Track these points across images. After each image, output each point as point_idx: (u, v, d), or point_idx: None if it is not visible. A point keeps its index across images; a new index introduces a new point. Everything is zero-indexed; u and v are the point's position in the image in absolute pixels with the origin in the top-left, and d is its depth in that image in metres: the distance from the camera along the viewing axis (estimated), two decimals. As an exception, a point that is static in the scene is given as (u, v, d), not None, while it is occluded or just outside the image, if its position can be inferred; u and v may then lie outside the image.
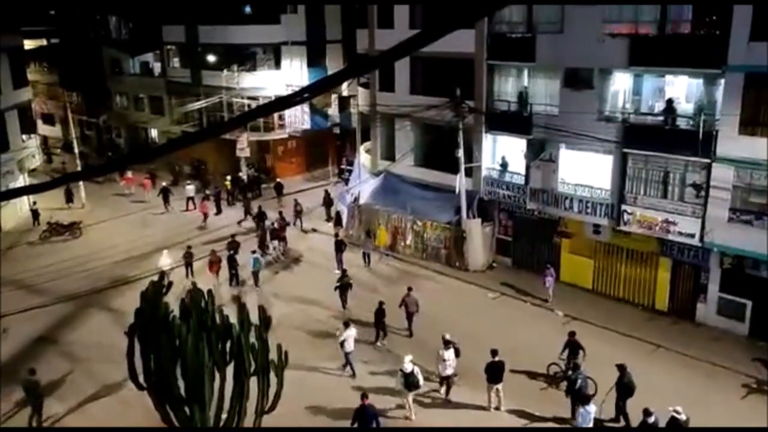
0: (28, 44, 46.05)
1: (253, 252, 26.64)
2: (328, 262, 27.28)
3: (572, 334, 18.88)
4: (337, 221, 31.15)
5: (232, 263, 25.95)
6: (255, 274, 26.01)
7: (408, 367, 16.97)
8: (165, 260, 25.91)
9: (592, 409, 15.64)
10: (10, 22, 35.58)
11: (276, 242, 29.84)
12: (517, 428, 17.34)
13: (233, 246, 27.40)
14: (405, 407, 17.43)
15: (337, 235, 28.85)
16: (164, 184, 36.87)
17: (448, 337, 18.36)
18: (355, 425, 15.60)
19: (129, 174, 39.61)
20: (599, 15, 21.79)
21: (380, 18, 29.64)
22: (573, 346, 18.51)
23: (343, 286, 23.61)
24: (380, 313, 21.04)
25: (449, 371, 17.79)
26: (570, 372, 17.20)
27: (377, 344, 20.97)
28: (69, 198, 37.03)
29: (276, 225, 30.07)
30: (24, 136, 35.65)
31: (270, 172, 40.58)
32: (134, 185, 39.43)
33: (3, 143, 33.33)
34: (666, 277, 22.67)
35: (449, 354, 17.71)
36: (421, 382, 17.23)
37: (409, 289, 22.12)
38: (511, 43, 24.84)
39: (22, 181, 34.72)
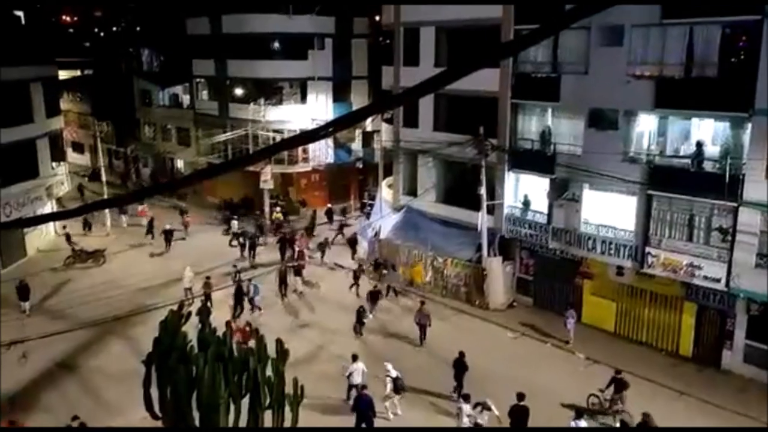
0: (63, 74, 47.26)
1: (250, 280, 26.82)
2: (348, 298, 27.26)
3: (618, 372, 18.77)
4: (376, 267, 29.62)
5: (239, 294, 25.92)
6: (252, 301, 26.15)
7: (394, 372, 18.47)
8: (188, 273, 27.44)
9: (582, 424, 16.63)
10: (47, 53, 36.63)
11: (297, 278, 29.10)
12: (520, 428, 17.03)
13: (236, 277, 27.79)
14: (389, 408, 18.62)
15: (375, 286, 27.05)
16: (167, 226, 35.41)
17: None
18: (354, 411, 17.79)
19: (144, 206, 39.31)
20: (624, 56, 21.85)
21: (406, 55, 30.02)
22: (618, 384, 18.36)
23: (360, 313, 24.26)
24: (460, 364, 19.76)
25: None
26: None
27: (454, 397, 19.58)
28: (87, 226, 37.59)
29: (297, 261, 29.96)
30: (54, 164, 36.34)
31: (305, 204, 40.68)
32: (146, 217, 38.72)
33: (33, 170, 34.04)
34: (690, 322, 22.21)
35: (468, 408, 17.14)
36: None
37: (422, 302, 24.00)
38: (535, 82, 24.96)
39: (50, 207, 35.32)
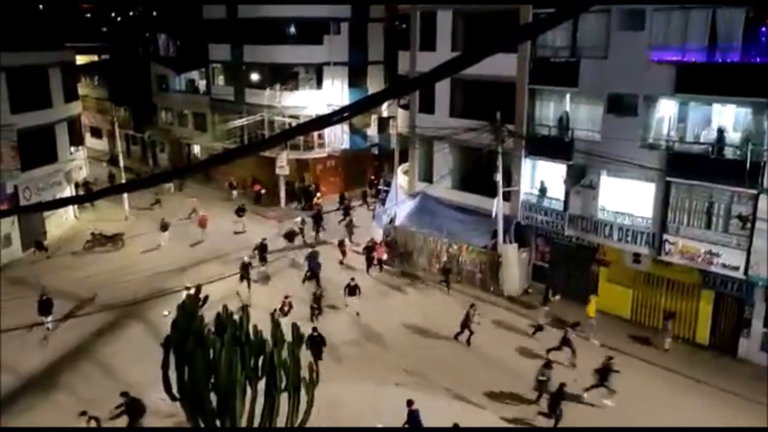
0: (80, 60, 47.55)
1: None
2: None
3: None
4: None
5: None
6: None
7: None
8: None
9: None
10: (64, 38, 36.89)
11: (352, 298, 25.20)
12: (519, 428, 16.97)
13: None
14: None
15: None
16: (245, 258, 27.55)
17: None
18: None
19: (201, 212, 35.46)
20: (645, 40, 21.56)
21: (422, 40, 29.83)
22: None
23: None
24: (560, 393, 17.77)
25: None
26: None
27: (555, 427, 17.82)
28: (39, 247, 32.09)
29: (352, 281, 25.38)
30: (72, 149, 36.67)
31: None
32: (205, 224, 34.32)
33: (52, 155, 34.39)
34: (708, 309, 22.04)
35: None
36: None
37: (472, 305, 22.75)
38: (554, 67, 24.70)
39: (69, 192, 35.68)
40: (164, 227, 33.40)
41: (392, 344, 22.88)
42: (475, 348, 22.23)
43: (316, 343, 20.23)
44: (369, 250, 29.33)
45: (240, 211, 35.61)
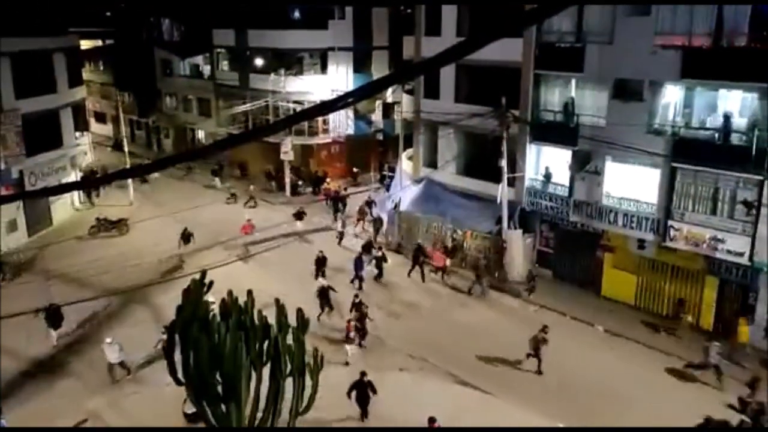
0: (84, 45, 47.43)
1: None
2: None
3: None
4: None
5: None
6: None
7: None
8: (112, 350, 19.48)
9: None
10: (68, 22, 36.79)
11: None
12: (517, 428, 17.14)
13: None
14: None
15: None
16: (323, 282, 23.85)
17: None
18: None
19: (247, 218, 32.85)
20: (651, 26, 21.37)
21: (427, 25, 29.66)
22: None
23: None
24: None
25: None
26: None
27: None
28: None
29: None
30: (77, 134, 36.70)
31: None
32: (250, 231, 31.91)
33: (57, 140, 34.41)
34: (712, 296, 22.02)
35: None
36: None
37: (544, 328, 20.05)
38: (559, 52, 24.54)
39: (74, 177, 35.73)
40: (186, 238, 29.54)
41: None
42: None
43: (364, 393, 17.01)
44: (417, 254, 26.50)
45: (299, 215, 32.87)
